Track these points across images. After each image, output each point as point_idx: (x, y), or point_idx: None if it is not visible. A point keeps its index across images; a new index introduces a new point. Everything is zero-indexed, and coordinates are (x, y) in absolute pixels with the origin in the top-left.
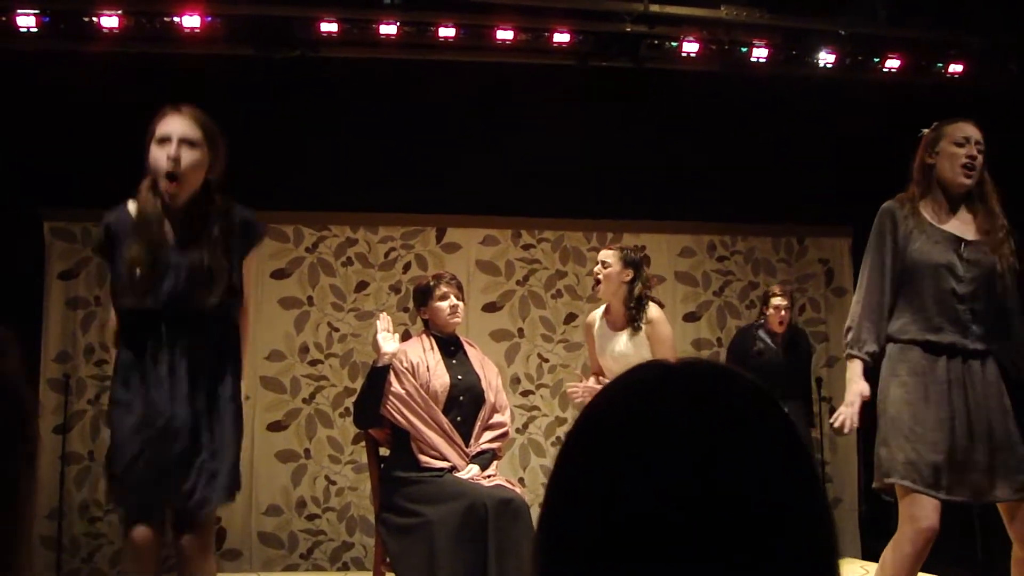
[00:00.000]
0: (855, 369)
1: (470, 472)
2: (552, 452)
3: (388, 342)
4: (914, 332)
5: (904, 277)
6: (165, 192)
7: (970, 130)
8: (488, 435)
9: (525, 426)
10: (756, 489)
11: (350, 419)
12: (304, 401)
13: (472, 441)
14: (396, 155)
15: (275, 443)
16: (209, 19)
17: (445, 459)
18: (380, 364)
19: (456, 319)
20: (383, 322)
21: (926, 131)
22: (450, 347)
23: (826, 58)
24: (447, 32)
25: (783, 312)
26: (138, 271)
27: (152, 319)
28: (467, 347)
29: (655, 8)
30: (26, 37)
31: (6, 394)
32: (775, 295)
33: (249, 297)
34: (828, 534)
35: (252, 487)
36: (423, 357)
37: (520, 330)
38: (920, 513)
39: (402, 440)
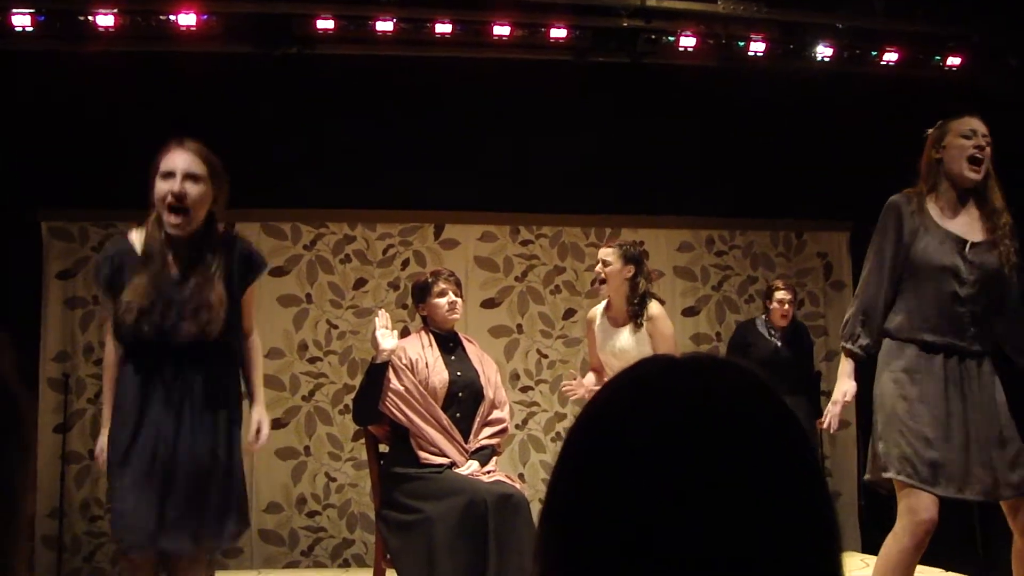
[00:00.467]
0: (845, 366)
1: (470, 468)
2: (551, 448)
3: (387, 339)
4: (911, 330)
5: (906, 274)
6: (170, 227)
7: (976, 123)
8: (487, 431)
9: (524, 422)
10: (759, 484)
11: (349, 416)
12: (303, 398)
13: (471, 437)
14: (394, 152)
15: (275, 440)
16: (205, 17)
17: (444, 455)
18: (379, 361)
19: (455, 316)
20: (382, 319)
21: (932, 130)
22: (449, 343)
23: (824, 52)
24: (444, 28)
25: (787, 306)
26: (141, 303)
27: (154, 351)
28: (466, 343)
29: (652, 3)
30: (21, 37)
31: (1, 394)
32: (779, 289)
33: (254, 327)
34: (831, 528)
35: (252, 485)
36: (422, 354)
37: (519, 326)
38: (918, 506)
39: (401, 437)
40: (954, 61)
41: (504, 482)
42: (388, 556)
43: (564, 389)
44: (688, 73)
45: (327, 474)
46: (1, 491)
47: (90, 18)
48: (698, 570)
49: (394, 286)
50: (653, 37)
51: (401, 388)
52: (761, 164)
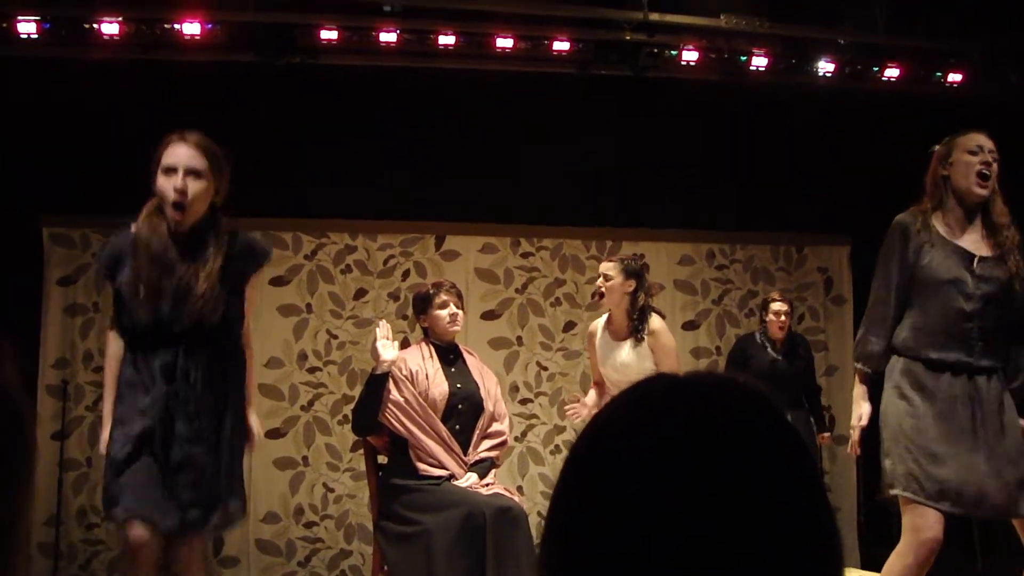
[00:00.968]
0: (858, 389)
1: (468, 480)
2: (551, 460)
3: (387, 349)
4: (917, 347)
5: (913, 291)
6: (172, 221)
7: (983, 139)
8: (486, 443)
9: (524, 434)
10: (762, 500)
11: (348, 426)
12: (302, 408)
13: (470, 449)
14: (395, 163)
15: (273, 450)
16: (209, 26)
17: (443, 467)
18: (379, 372)
19: (455, 327)
20: (382, 329)
21: (938, 147)
22: (449, 355)
23: (826, 67)
24: (447, 40)
25: (783, 318)
26: (142, 290)
27: (155, 339)
28: (466, 355)
29: (655, 17)
30: (27, 43)
31: (2, 402)
32: (774, 301)
33: (250, 324)
34: (834, 546)
35: (250, 494)
36: (422, 365)
37: (519, 338)
38: (922, 524)
39: (400, 448)
40: (955, 77)
41: (503, 495)
42: (386, 568)
43: (569, 414)
44: (690, 87)
45: (325, 484)
46: (2, 501)
47: (95, 26)
48: None
49: (394, 297)
50: (656, 51)
51: (401, 399)
52: (762, 178)
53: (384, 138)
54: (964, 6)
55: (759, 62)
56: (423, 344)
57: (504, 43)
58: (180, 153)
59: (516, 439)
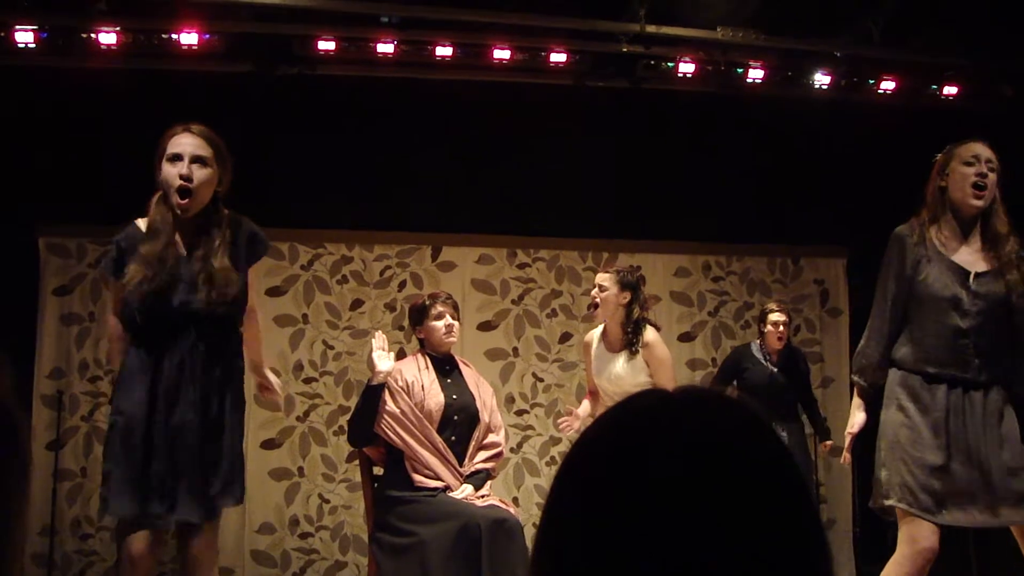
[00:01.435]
0: (856, 401)
1: (464, 492)
2: (546, 472)
3: (383, 360)
4: (915, 362)
5: (910, 306)
6: (177, 208)
7: (980, 149)
8: (482, 455)
9: (519, 445)
10: (751, 519)
11: (344, 437)
12: (298, 419)
13: (466, 461)
14: (392, 173)
15: (268, 461)
16: (207, 36)
17: (439, 479)
18: (375, 382)
19: (451, 339)
20: (378, 340)
21: (940, 155)
22: (445, 366)
23: (822, 79)
24: (444, 51)
25: (782, 328)
26: (148, 277)
27: (160, 326)
28: (462, 366)
29: (651, 28)
30: (24, 53)
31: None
32: (773, 311)
33: (255, 304)
34: (823, 564)
35: (245, 505)
36: (418, 376)
37: (515, 349)
38: (919, 534)
39: (396, 459)
40: (950, 90)
41: (498, 506)
42: None
43: (562, 427)
44: (687, 99)
45: (321, 495)
46: None
47: (92, 36)
48: None
49: (391, 307)
50: (652, 63)
51: (397, 410)
52: (758, 190)
53: (381, 148)
54: (959, 20)
55: (755, 74)
56: (419, 355)
57: (501, 54)
58: (185, 142)
59: (512, 450)
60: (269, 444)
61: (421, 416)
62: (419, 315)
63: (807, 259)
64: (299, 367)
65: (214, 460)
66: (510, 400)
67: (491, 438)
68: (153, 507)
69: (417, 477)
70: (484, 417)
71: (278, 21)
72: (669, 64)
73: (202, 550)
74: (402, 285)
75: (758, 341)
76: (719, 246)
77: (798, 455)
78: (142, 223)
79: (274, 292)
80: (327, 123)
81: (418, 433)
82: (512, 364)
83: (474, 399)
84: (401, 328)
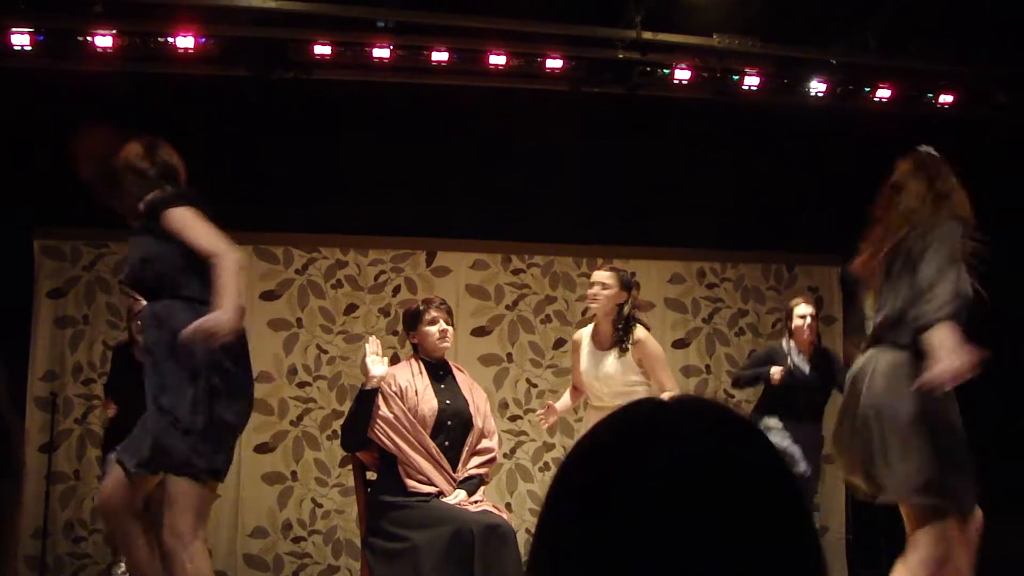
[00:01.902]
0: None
1: (457, 497)
2: (539, 477)
3: (377, 365)
4: None
5: None
6: None
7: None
8: (476, 460)
9: (513, 451)
10: (746, 526)
11: (337, 442)
12: (291, 423)
13: (459, 466)
14: (387, 178)
15: (262, 465)
16: (203, 40)
17: (432, 484)
18: (368, 387)
19: (445, 344)
20: (372, 345)
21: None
22: (439, 372)
23: (817, 87)
24: (440, 56)
25: (810, 320)
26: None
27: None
28: (456, 372)
29: (647, 35)
30: (20, 55)
31: None
32: (799, 303)
33: (215, 247)
34: (818, 570)
35: (238, 509)
36: (412, 381)
37: (509, 355)
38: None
39: (389, 464)
40: (946, 99)
41: (491, 512)
42: None
43: (539, 421)
44: (683, 106)
45: (314, 500)
46: None
47: (88, 38)
48: None
49: (385, 312)
50: (648, 69)
51: (390, 415)
52: (753, 197)
53: (376, 153)
54: (955, 28)
55: (751, 81)
56: (413, 360)
57: (497, 60)
58: None
59: (505, 456)
60: (262, 448)
61: (415, 421)
62: (413, 320)
63: (801, 267)
64: (293, 371)
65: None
66: (504, 406)
67: (484, 443)
68: None
69: (410, 482)
70: (478, 422)
71: (274, 25)
72: (665, 71)
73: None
74: (396, 290)
75: (786, 339)
76: (714, 253)
77: (811, 454)
78: None
79: (268, 296)
80: (323, 127)
81: (411, 438)
82: (506, 369)
83: (468, 404)
84: (395, 333)
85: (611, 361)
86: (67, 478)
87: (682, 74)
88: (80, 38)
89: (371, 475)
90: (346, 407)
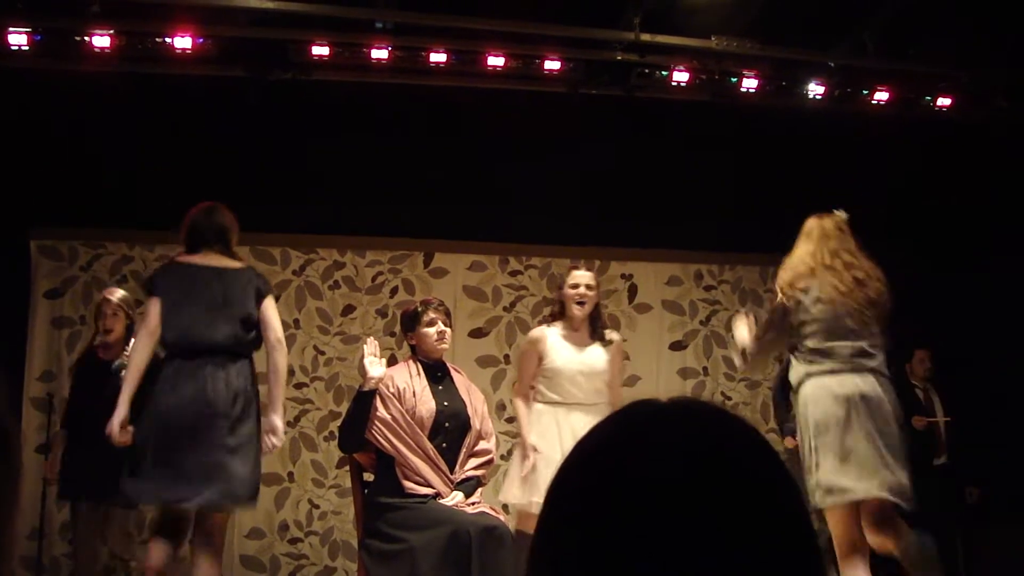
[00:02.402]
0: None
1: (454, 499)
2: None
3: (374, 366)
4: None
5: None
6: None
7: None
8: (473, 462)
9: (510, 452)
10: (745, 527)
11: (334, 443)
12: (288, 424)
13: (457, 468)
14: (385, 179)
15: None
16: (201, 40)
17: (429, 485)
18: (366, 388)
19: (443, 345)
20: (370, 346)
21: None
22: (437, 373)
23: (815, 89)
24: (438, 57)
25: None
26: None
27: None
28: (453, 373)
29: (646, 37)
30: (17, 55)
31: None
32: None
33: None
34: (815, 571)
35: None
36: (409, 383)
37: (506, 356)
38: None
39: (387, 465)
40: (944, 102)
41: (488, 514)
42: None
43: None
44: (680, 107)
45: (310, 501)
46: None
47: (86, 38)
48: None
49: (382, 313)
50: (646, 71)
51: (388, 417)
52: (751, 199)
53: (374, 154)
54: (953, 31)
55: (749, 84)
56: (410, 361)
57: (495, 61)
58: None
59: (502, 457)
60: None
61: (412, 423)
62: (411, 321)
63: None
64: (290, 372)
65: None
66: (501, 407)
67: (482, 445)
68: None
69: (408, 484)
70: (475, 424)
71: (272, 26)
72: (663, 73)
73: None
74: (394, 291)
75: None
76: (711, 255)
77: None
78: None
79: None
80: (320, 128)
81: (409, 440)
82: (503, 371)
83: (465, 406)
84: (392, 334)
85: (599, 355)
86: None
87: (680, 76)
88: (78, 38)
89: (368, 476)
90: (343, 408)
